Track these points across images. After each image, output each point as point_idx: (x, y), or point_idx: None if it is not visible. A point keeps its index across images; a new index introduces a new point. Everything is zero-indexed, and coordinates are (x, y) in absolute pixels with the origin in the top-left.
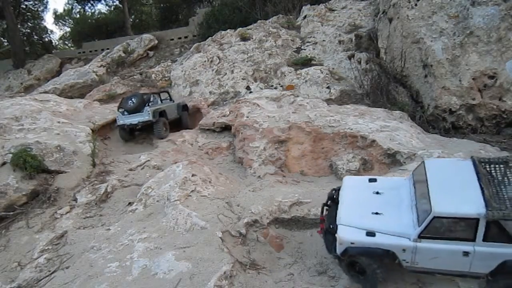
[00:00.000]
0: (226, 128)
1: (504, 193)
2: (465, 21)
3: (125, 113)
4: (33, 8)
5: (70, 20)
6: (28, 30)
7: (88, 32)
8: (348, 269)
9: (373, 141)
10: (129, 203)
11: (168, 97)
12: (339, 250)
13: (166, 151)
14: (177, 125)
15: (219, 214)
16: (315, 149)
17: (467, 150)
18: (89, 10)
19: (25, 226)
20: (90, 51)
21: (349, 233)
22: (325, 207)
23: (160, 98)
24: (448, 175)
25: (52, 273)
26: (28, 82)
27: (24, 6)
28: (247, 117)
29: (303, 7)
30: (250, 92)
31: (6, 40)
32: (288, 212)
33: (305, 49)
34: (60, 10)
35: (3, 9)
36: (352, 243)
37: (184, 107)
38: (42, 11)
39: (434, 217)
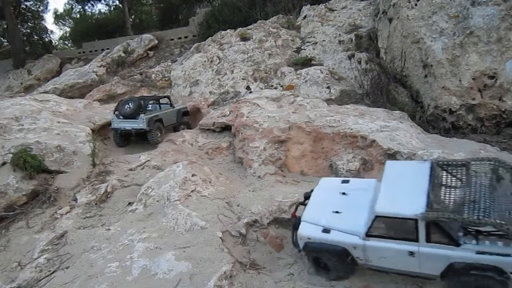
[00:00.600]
0: (226, 128)
1: (453, 195)
2: (465, 21)
3: (120, 117)
4: (33, 8)
5: (70, 20)
6: (28, 30)
7: (88, 32)
8: (314, 263)
9: (373, 141)
10: (129, 203)
11: (169, 102)
12: (300, 244)
13: (166, 151)
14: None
15: (219, 214)
16: (315, 149)
17: (467, 150)
18: (89, 10)
19: (25, 226)
20: (90, 51)
21: (307, 229)
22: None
23: (159, 104)
24: (403, 176)
25: (52, 273)
26: (28, 82)
27: (24, 6)
28: (247, 117)
29: (303, 7)
30: (250, 92)
31: (6, 40)
32: (288, 212)
33: (305, 49)
34: (60, 10)
35: (3, 9)
36: (309, 239)
37: (185, 113)
38: (42, 11)
39: (377, 217)
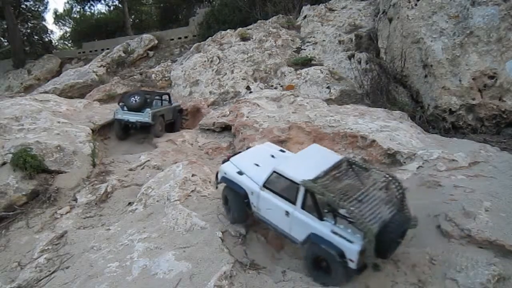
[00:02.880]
0: (226, 128)
1: (340, 184)
2: (465, 21)
3: (125, 108)
4: (33, 8)
5: (70, 20)
6: (28, 30)
7: (88, 32)
8: (224, 202)
9: (373, 141)
10: (129, 203)
11: (168, 99)
12: (219, 177)
13: (166, 151)
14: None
15: (219, 214)
16: None
17: (467, 150)
18: (89, 10)
19: (25, 226)
20: (90, 51)
21: (228, 167)
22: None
23: (162, 100)
24: (315, 157)
25: (52, 273)
26: (28, 82)
27: (24, 6)
28: (247, 117)
29: (303, 7)
30: (250, 92)
31: (6, 40)
32: None
33: (305, 49)
34: (60, 10)
35: (3, 9)
36: (225, 173)
37: (180, 111)
38: (42, 11)
39: (273, 172)
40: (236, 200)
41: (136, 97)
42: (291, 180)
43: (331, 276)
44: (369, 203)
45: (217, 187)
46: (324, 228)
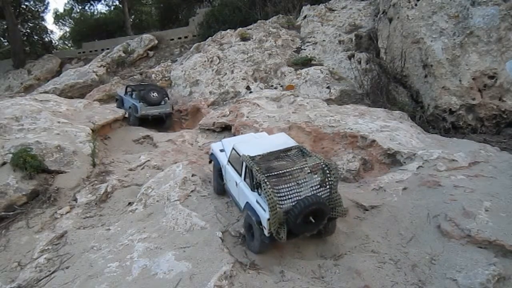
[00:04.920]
0: (226, 128)
1: (277, 163)
2: (465, 21)
3: (146, 104)
4: (33, 8)
5: (70, 20)
6: (28, 30)
7: (88, 32)
8: (214, 177)
9: (373, 141)
10: (129, 203)
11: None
12: (210, 153)
13: (166, 151)
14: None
15: (219, 214)
16: (315, 149)
17: (467, 150)
18: (89, 10)
19: (25, 226)
20: (90, 51)
21: (215, 145)
22: None
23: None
24: (274, 141)
25: (52, 273)
26: (28, 82)
27: (24, 6)
28: (247, 117)
29: (303, 7)
30: (250, 92)
31: (6, 40)
32: None
33: (305, 49)
34: (60, 10)
35: (3, 9)
36: (212, 150)
37: None
38: (42, 11)
39: (232, 149)
40: (215, 172)
41: (154, 93)
42: (239, 155)
43: (254, 241)
44: (291, 181)
45: (210, 162)
46: (251, 198)
